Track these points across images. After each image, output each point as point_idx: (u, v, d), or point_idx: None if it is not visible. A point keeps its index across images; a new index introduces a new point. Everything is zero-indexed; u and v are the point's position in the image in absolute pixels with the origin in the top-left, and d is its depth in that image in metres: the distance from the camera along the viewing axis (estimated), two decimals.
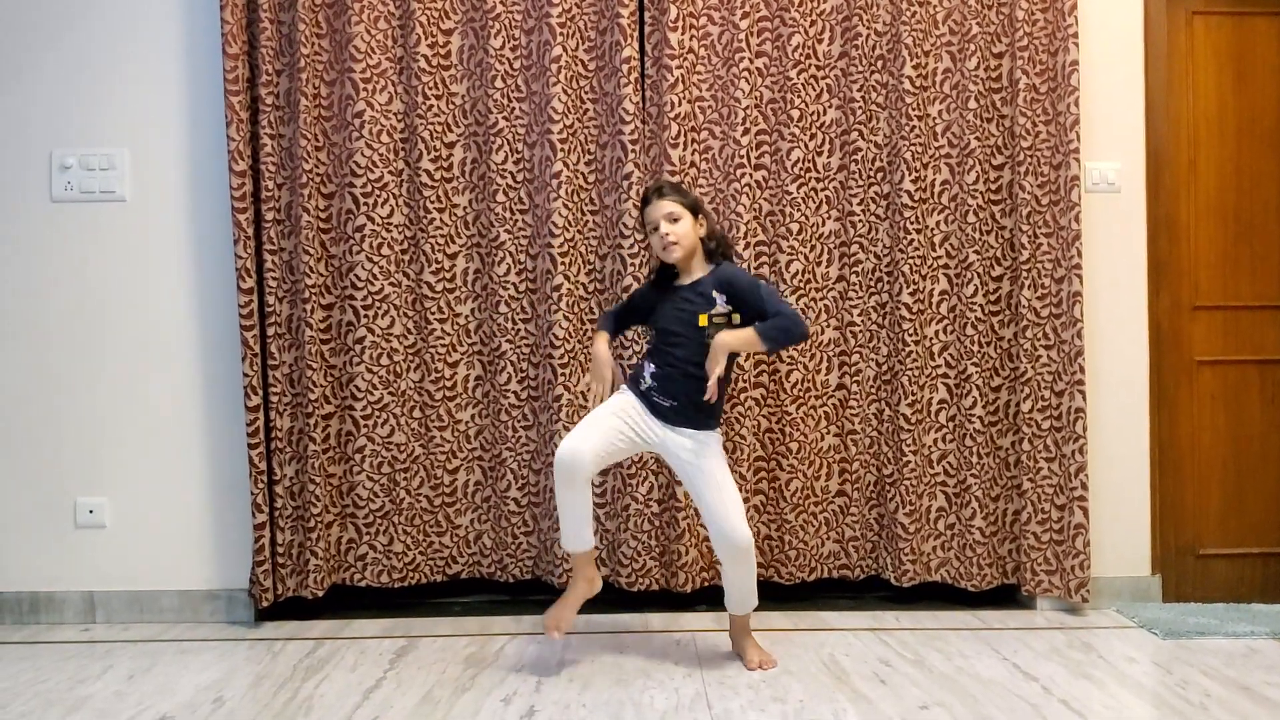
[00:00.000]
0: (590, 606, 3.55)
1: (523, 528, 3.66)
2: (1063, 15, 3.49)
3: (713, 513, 2.98)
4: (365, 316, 3.55)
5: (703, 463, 2.99)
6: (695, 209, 3.06)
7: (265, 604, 3.46)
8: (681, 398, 2.99)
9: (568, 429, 3.52)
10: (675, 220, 3.01)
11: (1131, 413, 3.66)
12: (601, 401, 3.04)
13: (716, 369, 2.92)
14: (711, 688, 2.86)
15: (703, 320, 3.00)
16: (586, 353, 3.55)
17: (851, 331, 3.67)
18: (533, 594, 3.71)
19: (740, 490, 3.54)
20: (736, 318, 3.02)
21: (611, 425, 2.97)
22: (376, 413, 3.58)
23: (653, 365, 3.03)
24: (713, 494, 2.98)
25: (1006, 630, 3.39)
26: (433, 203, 3.57)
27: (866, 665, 3.04)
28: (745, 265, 3.58)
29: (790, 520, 3.66)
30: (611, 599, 3.62)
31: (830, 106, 3.65)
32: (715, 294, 3.02)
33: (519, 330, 3.61)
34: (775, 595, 3.67)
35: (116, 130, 3.56)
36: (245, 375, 3.41)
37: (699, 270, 3.07)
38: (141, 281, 3.57)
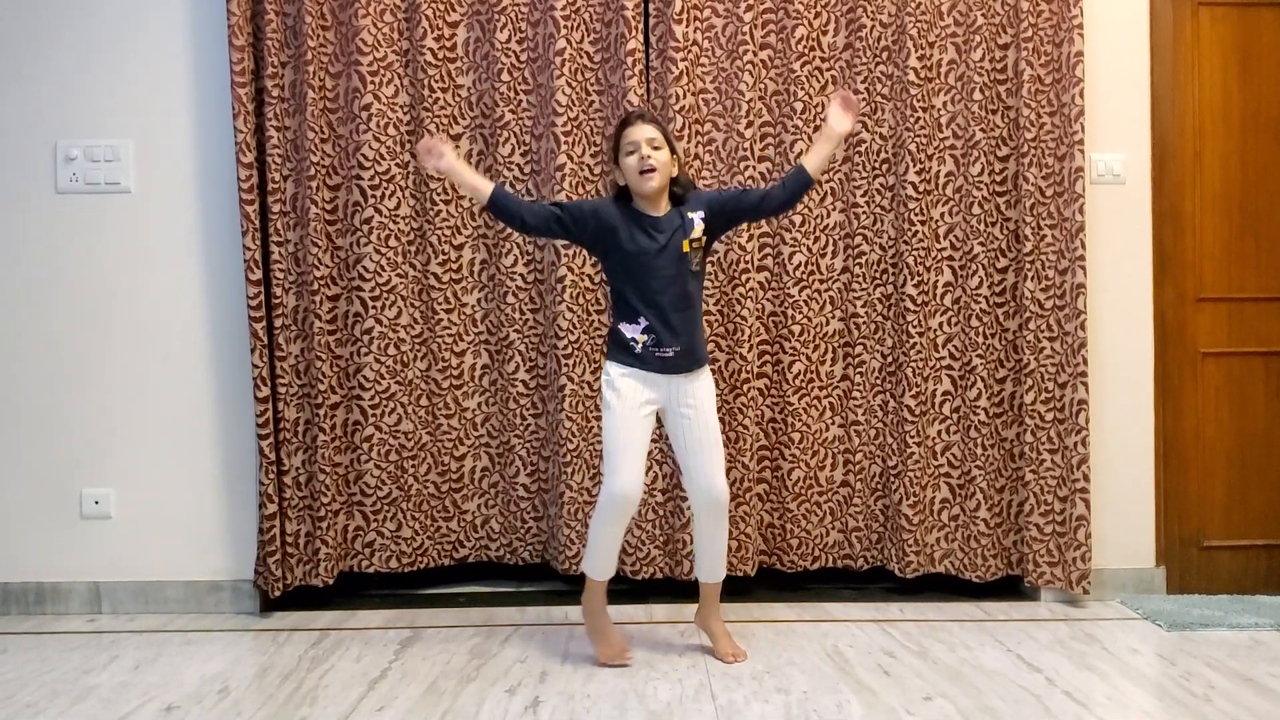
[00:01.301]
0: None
1: (532, 513, 3.68)
2: (1068, 6, 3.48)
3: (702, 468, 2.95)
4: (373, 307, 3.56)
5: (705, 417, 2.98)
6: (672, 146, 2.98)
7: (277, 594, 3.47)
8: (682, 340, 2.95)
9: (572, 419, 3.53)
10: (657, 148, 2.92)
11: (1136, 405, 3.66)
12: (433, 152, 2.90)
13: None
14: (715, 679, 2.86)
15: (685, 246, 2.94)
16: (591, 343, 3.56)
17: (856, 323, 3.67)
18: (536, 582, 3.73)
19: (743, 480, 3.57)
20: (702, 240, 2.98)
21: (636, 433, 2.93)
22: (384, 402, 3.59)
23: (641, 319, 2.94)
24: (707, 450, 2.96)
25: (1010, 622, 3.39)
26: (439, 194, 3.58)
27: (870, 656, 3.04)
28: (749, 257, 3.58)
29: (792, 509, 3.67)
30: (616, 589, 3.63)
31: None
32: (691, 215, 2.97)
33: (527, 320, 3.62)
34: (777, 583, 3.70)
35: (121, 122, 3.57)
36: (255, 366, 3.42)
37: (664, 206, 2.99)
38: (146, 273, 3.58)
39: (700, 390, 3.00)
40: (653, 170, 2.90)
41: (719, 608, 3.12)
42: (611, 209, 2.99)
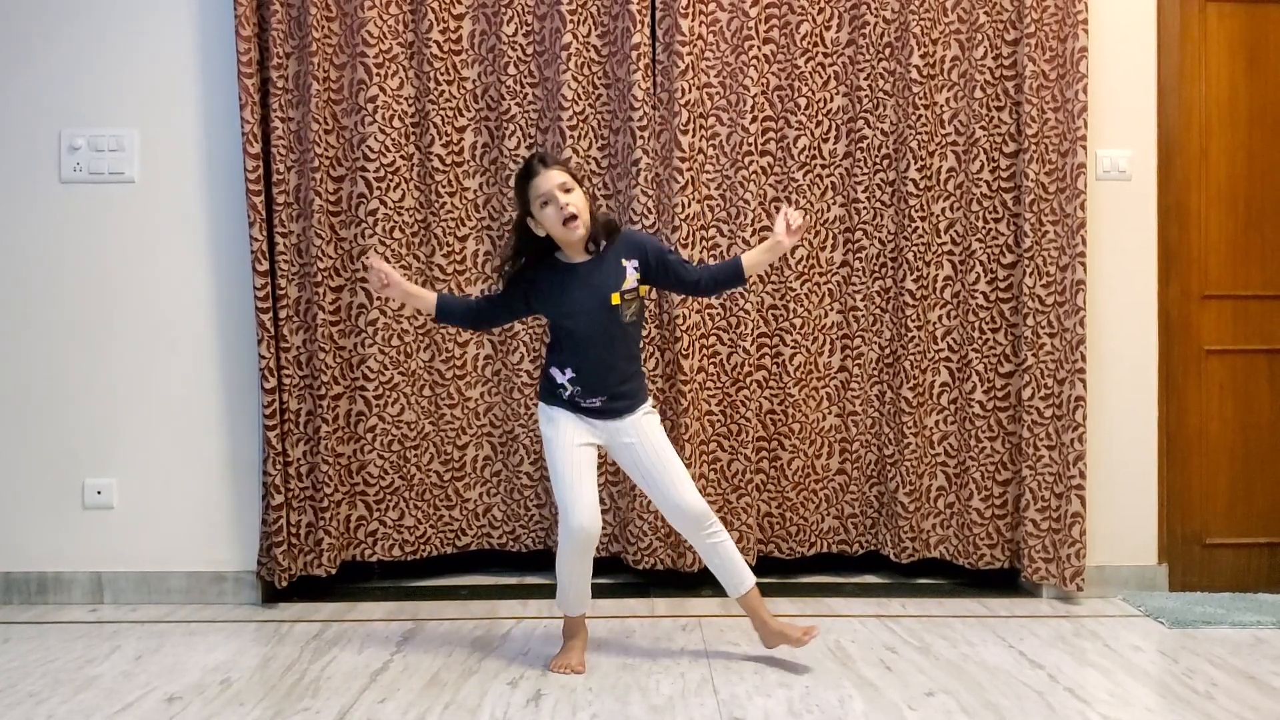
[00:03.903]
0: (597, 591, 3.58)
1: (535, 500, 3.70)
2: (1072, 1, 3.47)
3: (666, 492, 2.87)
4: (377, 299, 3.56)
5: (646, 442, 2.89)
6: (580, 181, 2.85)
7: (283, 584, 3.48)
8: (606, 392, 2.87)
9: None
10: (568, 191, 2.77)
11: (1140, 401, 3.66)
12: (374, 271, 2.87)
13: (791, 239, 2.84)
14: (718, 673, 2.87)
15: (615, 299, 2.82)
16: None
17: (854, 316, 3.68)
18: (539, 575, 3.74)
19: (744, 471, 3.58)
20: (644, 290, 2.90)
21: (586, 466, 2.86)
22: (387, 392, 3.60)
23: (568, 370, 2.86)
24: (660, 471, 2.87)
25: (1012, 618, 3.39)
26: (444, 187, 3.58)
27: (872, 652, 3.04)
28: (750, 250, 3.58)
29: (791, 498, 3.70)
30: (618, 582, 3.65)
31: (837, 94, 3.65)
32: (625, 263, 2.85)
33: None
34: (775, 569, 3.75)
35: (126, 111, 3.57)
36: (262, 357, 3.42)
37: (586, 253, 2.86)
38: (149, 263, 3.57)
39: (638, 421, 2.91)
40: (575, 217, 2.76)
41: (766, 609, 2.95)
42: (532, 272, 2.89)
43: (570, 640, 2.98)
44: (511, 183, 3.30)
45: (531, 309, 2.97)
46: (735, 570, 2.94)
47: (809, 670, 2.88)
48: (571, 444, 2.86)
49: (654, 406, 3.05)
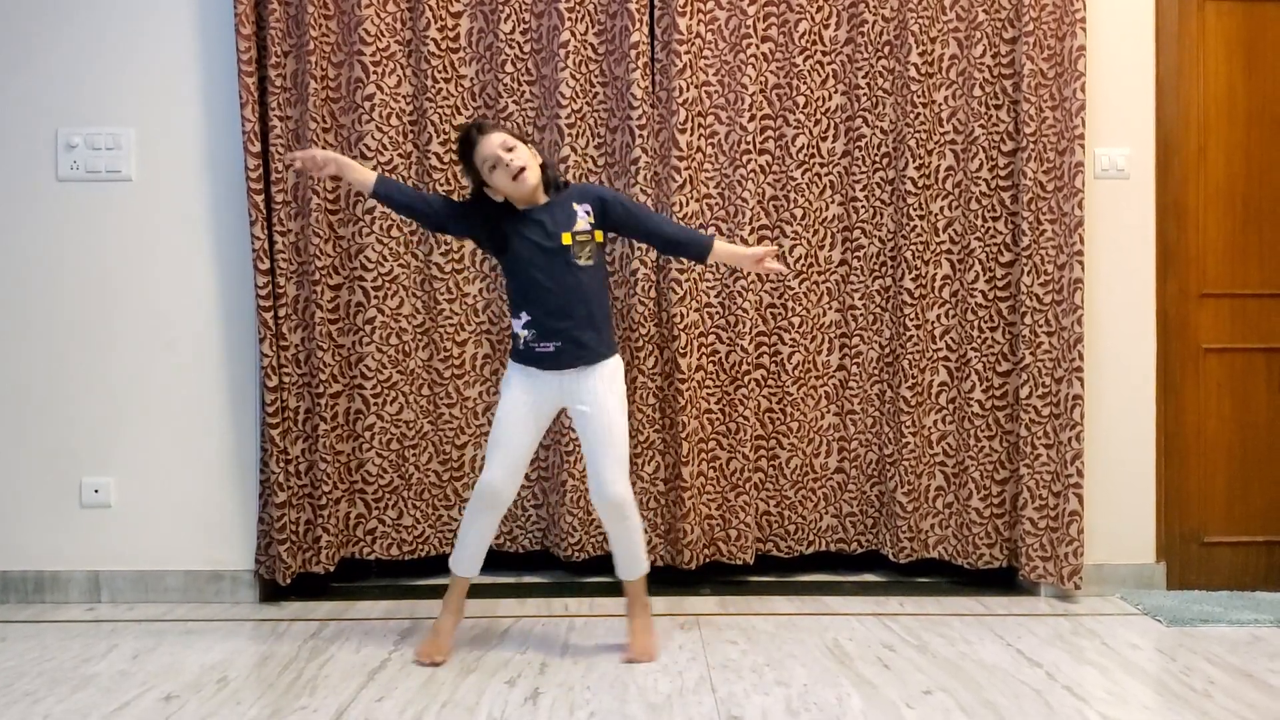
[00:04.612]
0: (594, 590, 3.58)
1: (532, 501, 3.70)
2: (1070, 0, 3.47)
3: (597, 468, 2.89)
4: (375, 297, 3.56)
5: (601, 415, 2.90)
6: (523, 138, 2.94)
7: (286, 581, 3.47)
8: (564, 336, 2.88)
9: None
10: (512, 149, 2.85)
11: (1138, 400, 3.66)
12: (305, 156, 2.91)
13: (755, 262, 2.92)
14: (715, 671, 2.86)
15: (566, 239, 2.87)
16: None
17: (853, 315, 3.68)
18: (537, 572, 3.74)
19: (742, 470, 3.58)
20: (599, 236, 2.93)
21: (519, 431, 2.91)
22: (385, 391, 3.59)
23: (524, 315, 2.90)
24: (602, 448, 2.89)
25: (1010, 616, 3.39)
26: (442, 185, 3.58)
27: (870, 650, 3.04)
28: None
29: (789, 496, 3.70)
30: (615, 580, 3.64)
31: (836, 92, 3.65)
32: (576, 207, 2.91)
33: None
34: (773, 568, 3.75)
35: (122, 110, 3.56)
36: (264, 356, 3.42)
37: (543, 198, 2.93)
38: (147, 262, 3.57)
39: (597, 386, 2.92)
40: (523, 169, 2.84)
41: (642, 603, 3.06)
42: (494, 213, 2.95)
43: (442, 616, 3.03)
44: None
45: (491, 235, 2.96)
46: (628, 560, 3.03)
47: (806, 668, 2.88)
48: (518, 406, 2.92)
49: (620, 362, 3.05)
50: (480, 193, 2.97)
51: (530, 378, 2.94)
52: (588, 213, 2.93)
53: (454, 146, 3.54)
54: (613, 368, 2.98)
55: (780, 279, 3.65)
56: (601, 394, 2.92)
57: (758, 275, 3.63)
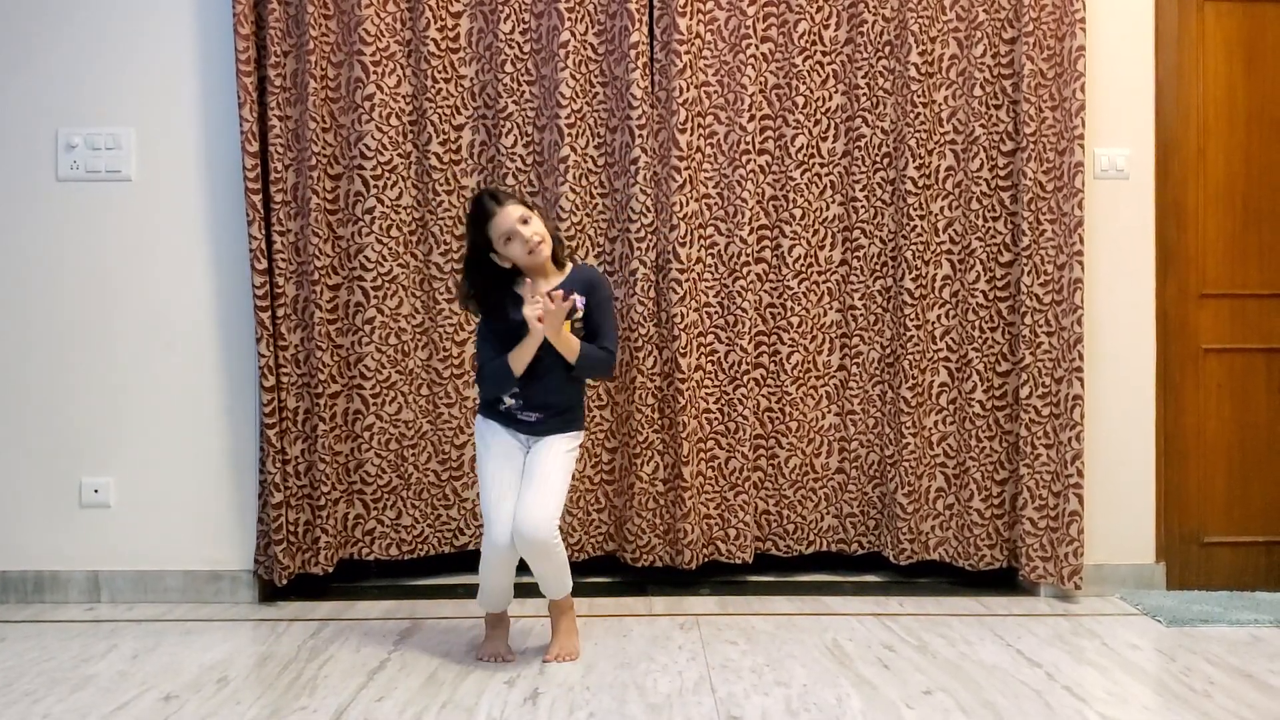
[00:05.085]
0: (593, 590, 3.58)
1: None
2: (1070, 0, 3.47)
3: (523, 501, 2.86)
4: (375, 297, 3.56)
5: (545, 457, 2.92)
6: (532, 206, 2.96)
7: (283, 582, 3.47)
8: (549, 409, 2.93)
9: None
10: (527, 222, 2.86)
11: (1138, 400, 3.66)
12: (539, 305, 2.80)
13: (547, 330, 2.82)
14: (715, 671, 2.86)
15: (567, 328, 2.87)
16: None
17: (853, 315, 3.68)
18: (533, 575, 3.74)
19: (741, 469, 3.59)
20: (582, 325, 2.95)
21: (511, 486, 2.90)
22: (385, 391, 3.59)
23: (514, 387, 2.91)
24: (531, 487, 2.87)
25: (1010, 616, 3.39)
26: (441, 185, 3.58)
27: (870, 650, 3.04)
28: (749, 249, 3.59)
29: (789, 496, 3.70)
30: (615, 580, 3.64)
31: (835, 92, 3.65)
32: (578, 297, 2.90)
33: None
34: (772, 567, 3.76)
35: (122, 110, 3.56)
36: (261, 356, 3.42)
37: (551, 273, 2.95)
38: (147, 262, 3.57)
39: (557, 441, 2.95)
40: (540, 242, 2.86)
41: (566, 612, 3.06)
42: (492, 298, 2.94)
43: (493, 630, 3.04)
44: (464, 222, 3.27)
45: (489, 311, 2.97)
46: (548, 583, 3.00)
47: (806, 668, 2.88)
48: (500, 457, 2.93)
49: (581, 435, 3.09)
50: (478, 256, 2.94)
51: (507, 433, 2.96)
52: (584, 304, 2.93)
53: (453, 148, 3.54)
54: (576, 438, 3.03)
55: (779, 278, 3.65)
56: (558, 448, 2.95)
57: (758, 275, 3.63)
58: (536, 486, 2.88)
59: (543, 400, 2.92)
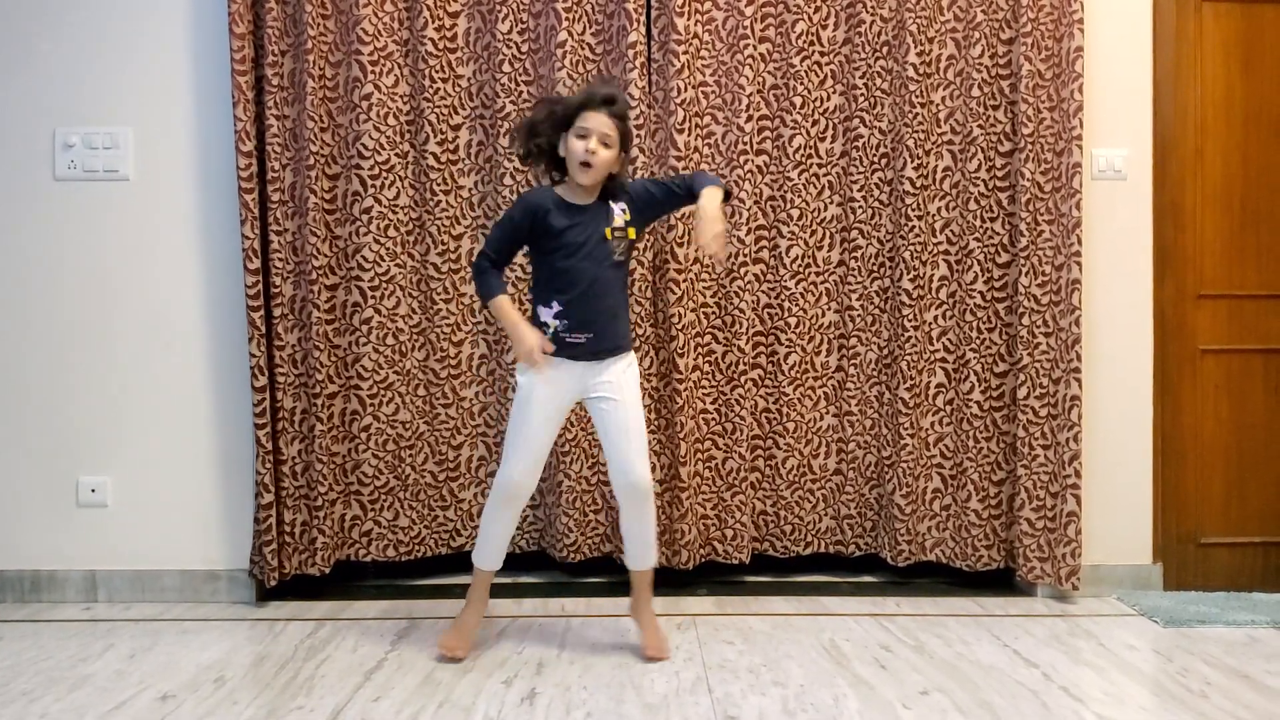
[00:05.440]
0: (591, 590, 3.58)
1: (528, 502, 3.65)
2: (1068, 1, 3.47)
3: (621, 455, 2.91)
4: (372, 297, 3.55)
5: (624, 406, 2.94)
6: (625, 144, 2.94)
7: (274, 583, 3.47)
8: (597, 325, 2.91)
9: (570, 409, 3.52)
10: (606, 145, 2.86)
11: (1135, 401, 3.66)
12: (539, 365, 2.86)
13: (718, 225, 2.84)
14: (712, 671, 2.86)
15: (607, 234, 2.91)
16: None
17: (851, 315, 3.68)
18: (532, 573, 3.73)
19: (738, 469, 3.59)
20: (631, 233, 2.97)
21: (542, 425, 2.91)
22: (382, 391, 3.59)
23: (555, 303, 2.90)
24: (627, 436, 2.92)
25: (1007, 617, 3.39)
26: (439, 185, 3.57)
27: (867, 650, 3.04)
28: (746, 249, 3.59)
29: (786, 496, 3.70)
30: (611, 580, 3.64)
31: (833, 93, 3.64)
32: (613, 205, 2.95)
33: (525, 310, 3.59)
34: (769, 568, 3.76)
35: (120, 109, 3.56)
36: (252, 356, 3.42)
37: (592, 196, 2.96)
38: (145, 261, 3.57)
39: (618, 376, 2.96)
40: (590, 166, 2.86)
41: (650, 599, 3.07)
42: (543, 197, 2.94)
43: (467, 607, 3.03)
44: (565, 91, 3.29)
45: (533, 236, 2.95)
46: (643, 549, 3.03)
47: (803, 668, 2.88)
48: (542, 399, 2.91)
49: (634, 356, 3.09)
50: (551, 123, 2.92)
51: (553, 368, 2.92)
52: (623, 210, 2.96)
53: (451, 148, 3.54)
54: (632, 360, 3.03)
55: (777, 279, 3.65)
56: (625, 385, 2.96)
57: (755, 276, 3.63)
58: (626, 435, 2.92)
59: (591, 316, 2.90)
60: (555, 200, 2.93)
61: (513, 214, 2.96)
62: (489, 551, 3.02)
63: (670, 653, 3.00)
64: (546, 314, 2.92)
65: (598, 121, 2.85)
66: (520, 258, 3.51)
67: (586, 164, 2.85)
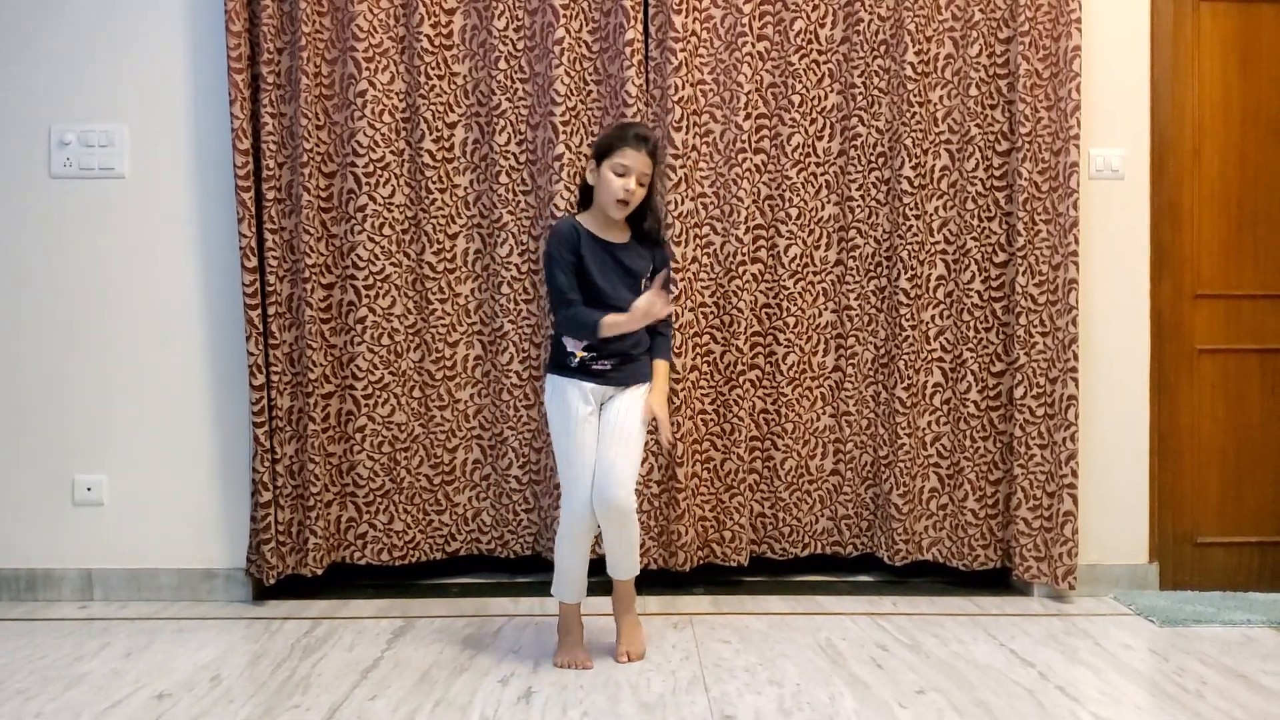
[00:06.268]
0: (588, 589, 3.57)
1: (524, 505, 3.66)
2: (1065, 1, 3.47)
3: (606, 466, 2.86)
4: (366, 296, 3.55)
5: (624, 418, 2.92)
6: (654, 186, 2.98)
7: (270, 582, 3.46)
8: (620, 356, 2.93)
9: None
10: (642, 185, 2.90)
11: (1132, 400, 3.66)
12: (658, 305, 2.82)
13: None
14: (709, 670, 2.86)
15: (642, 284, 2.97)
16: None
17: (849, 315, 3.67)
18: (529, 574, 3.72)
19: (736, 471, 3.58)
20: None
21: (590, 447, 2.89)
22: (377, 392, 3.58)
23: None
24: (616, 447, 2.88)
25: (1003, 616, 3.39)
26: (434, 183, 3.57)
27: (863, 649, 3.04)
28: (745, 249, 3.58)
29: (784, 498, 3.69)
30: (608, 581, 3.63)
31: (831, 91, 3.64)
32: (648, 253, 3.01)
33: (520, 311, 3.61)
34: (767, 570, 3.76)
35: (116, 106, 3.55)
36: (250, 354, 3.41)
37: (624, 231, 2.99)
38: (140, 259, 3.56)
39: (633, 397, 2.97)
40: (626, 204, 2.89)
41: (633, 600, 3.04)
42: (569, 228, 2.94)
43: (568, 635, 2.98)
44: (614, 125, 3.23)
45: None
46: (620, 559, 2.98)
47: (799, 668, 2.87)
48: (580, 419, 2.90)
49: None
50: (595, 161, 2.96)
51: (579, 389, 2.92)
52: (653, 257, 3.03)
53: (446, 146, 3.53)
54: (646, 388, 3.02)
55: (775, 279, 3.64)
56: (635, 404, 2.96)
57: (754, 275, 3.63)
58: (622, 447, 2.89)
59: (617, 347, 2.92)
60: (581, 231, 2.94)
61: (555, 255, 2.93)
62: (570, 585, 2.97)
63: (644, 651, 2.99)
64: (574, 345, 2.93)
65: (637, 160, 2.87)
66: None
67: (624, 201, 2.88)
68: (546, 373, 3.01)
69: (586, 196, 3.01)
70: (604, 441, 2.91)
